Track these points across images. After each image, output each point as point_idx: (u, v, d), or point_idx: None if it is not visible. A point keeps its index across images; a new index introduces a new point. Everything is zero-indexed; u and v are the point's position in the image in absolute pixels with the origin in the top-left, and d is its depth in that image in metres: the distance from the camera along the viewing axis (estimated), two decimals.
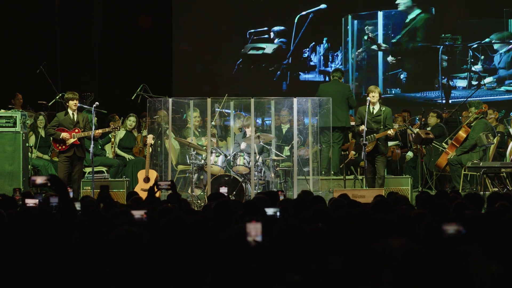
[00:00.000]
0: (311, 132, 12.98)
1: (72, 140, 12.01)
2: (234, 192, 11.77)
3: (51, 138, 12.46)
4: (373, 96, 12.20)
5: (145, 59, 17.33)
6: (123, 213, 6.06)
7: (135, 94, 14.72)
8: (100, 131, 12.17)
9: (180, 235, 4.87)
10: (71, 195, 8.28)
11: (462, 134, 13.49)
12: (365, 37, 17.82)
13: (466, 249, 4.51)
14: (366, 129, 11.97)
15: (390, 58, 17.82)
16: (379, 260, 4.13)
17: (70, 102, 12.21)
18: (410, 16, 17.80)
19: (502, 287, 4.18)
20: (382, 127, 12.18)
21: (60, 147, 12.11)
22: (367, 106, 12.19)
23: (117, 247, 4.39)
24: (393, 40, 17.89)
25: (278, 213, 6.19)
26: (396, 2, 17.76)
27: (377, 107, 12.31)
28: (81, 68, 17.14)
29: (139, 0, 17.51)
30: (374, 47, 17.86)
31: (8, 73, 16.06)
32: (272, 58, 18.14)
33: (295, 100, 12.80)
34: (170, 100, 13.02)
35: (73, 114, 12.20)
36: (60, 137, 12.01)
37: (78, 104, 12.31)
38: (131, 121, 14.45)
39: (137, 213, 6.04)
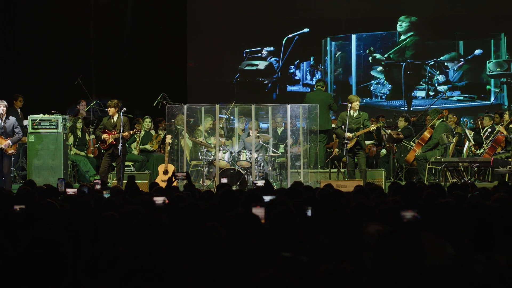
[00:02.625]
0: (302, 133, 12.99)
1: (110, 141, 12.05)
2: (238, 183, 11.78)
3: (96, 138, 12.60)
4: (357, 105, 12.31)
5: (164, 73, 17.35)
6: (147, 200, 6.06)
7: (156, 101, 14.73)
8: (127, 133, 12.18)
9: (194, 217, 4.87)
10: (98, 186, 8.32)
11: (426, 134, 13.52)
12: (367, 51, 17.87)
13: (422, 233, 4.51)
14: (349, 128, 12.06)
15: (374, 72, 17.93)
16: (360, 244, 4.13)
17: (109, 109, 12.28)
18: (401, 37, 17.88)
19: (453, 263, 4.17)
20: (362, 126, 12.27)
21: (103, 146, 12.18)
22: (348, 111, 12.26)
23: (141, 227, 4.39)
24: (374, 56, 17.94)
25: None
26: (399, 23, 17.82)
27: (356, 112, 12.38)
28: (111, 80, 17.15)
29: (161, 26, 17.50)
30: (371, 59, 17.92)
31: (54, 84, 16.07)
32: (264, 73, 18.17)
33: (288, 106, 12.80)
34: (185, 106, 13.04)
35: (112, 118, 12.21)
36: (102, 138, 12.09)
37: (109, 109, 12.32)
38: (147, 122, 14.51)
39: (159, 199, 6.04)
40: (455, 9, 17.50)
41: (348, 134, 12.03)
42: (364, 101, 17.61)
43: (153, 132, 14.69)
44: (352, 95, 12.87)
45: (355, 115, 12.34)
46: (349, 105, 12.32)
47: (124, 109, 12.38)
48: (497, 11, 17.65)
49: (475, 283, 3.48)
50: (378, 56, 17.88)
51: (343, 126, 12.29)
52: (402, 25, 17.82)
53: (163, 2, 17.48)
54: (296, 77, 18.16)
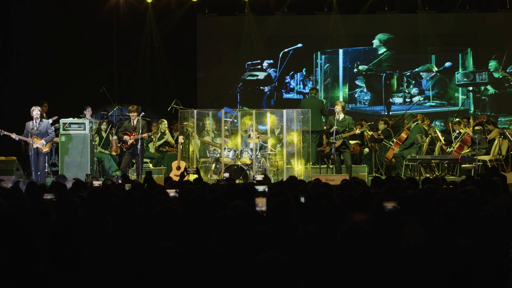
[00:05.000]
0: (296, 134, 12.99)
1: (130, 141, 12.06)
2: (241, 177, 11.77)
3: (119, 139, 12.64)
4: (338, 107, 12.36)
5: (178, 82, 17.36)
6: (162, 192, 6.07)
7: (170, 107, 14.72)
8: (146, 134, 12.22)
9: (203, 206, 4.88)
10: (120, 181, 8.32)
11: (403, 135, 13.53)
12: (355, 64, 17.90)
13: (403, 218, 4.51)
14: (335, 129, 12.09)
15: (358, 81, 17.95)
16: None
17: (131, 113, 12.30)
18: (377, 51, 17.91)
19: (426, 245, 4.18)
20: (347, 129, 12.27)
21: (125, 146, 12.19)
22: (335, 115, 12.30)
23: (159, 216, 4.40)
24: (358, 69, 17.97)
25: (266, 189, 6.14)
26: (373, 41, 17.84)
27: (341, 116, 12.37)
28: (131, 89, 17.16)
29: (174, 42, 17.52)
30: (355, 70, 17.94)
31: (82, 92, 16.09)
32: (264, 82, 18.16)
33: (284, 111, 12.80)
34: (195, 111, 13.05)
35: (133, 121, 12.23)
36: (123, 139, 12.11)
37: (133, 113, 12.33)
38: (164, 124, 14.52)
39: (171, 191, 6.04)
40: (428, 28, 17.51)
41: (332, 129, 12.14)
42: (350, 106, 17.63)
43: (168, 133, 14.68)
44: (337, 101, 12.97)
45: (340, 118, 12.35)
46: (336, 110, 12.34)
47: (143, 113, 12.40)
48: (464, 30, 17.69)
49: (444, 262, 3.49)
50: (361, 67, 17.92)
51: (330, 129, 12.34)
52: (376, 41, 17.88)
53: (176, 21, 17.48)
54: (291, 86, 18.17)
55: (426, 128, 14.20)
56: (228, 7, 17.62)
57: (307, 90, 17.58)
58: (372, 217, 4.03)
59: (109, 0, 16.76)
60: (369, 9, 17.36)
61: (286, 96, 18.12)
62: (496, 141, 13.46)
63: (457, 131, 13.87)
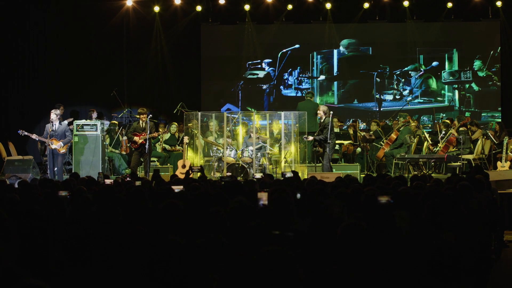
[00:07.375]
0: (293, 135, 12.99)
1: (140, 141, 12.06)
2: (242, 174, 11.77)
3: (128, 139, 12.65)
4: (318, 112, 12.15)
5: (183, 85, 17.35)
6: (168, 189, 6.06)
7: (176, 109, 14.71)
8: (155, 134, 12.25)
9: (206, 202, 4.87)
10: (129, 179, 8.30)
11: (393, 136, 13.53)
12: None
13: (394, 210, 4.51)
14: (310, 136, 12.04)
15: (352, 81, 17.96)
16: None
17: (140, 115, 12.32)
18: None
19: (413, 231, 4.18)
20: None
21: (134, 146, 12.18)
22: (330, 118, 12.16)
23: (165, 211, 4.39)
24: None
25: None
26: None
27: (323, 119, 12.01)
28: (140, 92, 17.14)
29: (180, 51, 17.52)
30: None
31: (94, 96, 16.10)
32: (263, 80, 18.13)
33: (282, 113, 12.79)
34: (199, 113, 13.05)
35: (142, 123, 12.23)
36: (133, 139, 12.11)
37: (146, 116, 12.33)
38: (174, 127, 14.51)
39: (176, 188, 6.03)
40: (416, 36, 17.52)
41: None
42: (343, 104, 17.69)
43: (177, 135, 14.65)
44: (319, 105, 12.81)
45: (320, 121, 12.08)
46: (331, 112, 12.20)
47: (150, 115, 12.41)
48: (450, 37, 17.72)
49: (430, 253, 3.49)
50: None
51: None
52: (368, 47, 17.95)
53: (182, 30, 17.46)
54: (289, 83, 18.19)
55: (415, 129, 14.20)
56: (230, 17, 17.65)
57: (303, 86, 17.64)
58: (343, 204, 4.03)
59: (119, 10, 16.77)
60: (361, 19, 17.40)
61: (284, 92, 18.13)
62: (479, 141, 13.46)
63: (443, 132, 13.88)
